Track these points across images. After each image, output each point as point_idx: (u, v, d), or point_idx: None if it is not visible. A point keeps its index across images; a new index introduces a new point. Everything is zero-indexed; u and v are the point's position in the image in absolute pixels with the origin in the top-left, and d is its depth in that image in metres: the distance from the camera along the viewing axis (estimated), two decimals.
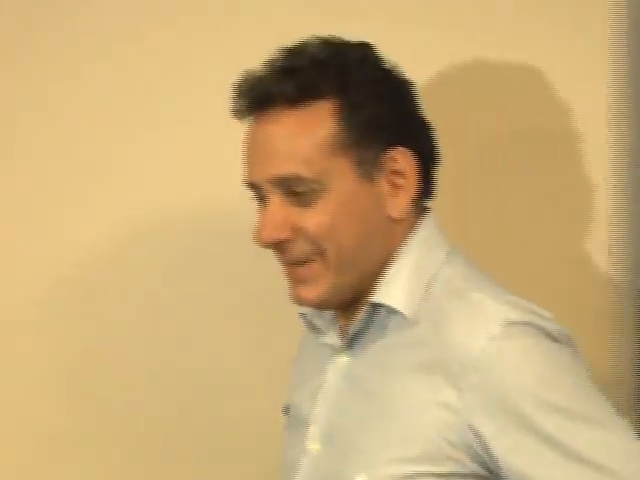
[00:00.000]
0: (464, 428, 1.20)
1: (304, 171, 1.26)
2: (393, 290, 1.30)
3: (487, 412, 1.19)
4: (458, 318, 1.24)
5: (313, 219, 1.27)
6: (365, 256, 1.30)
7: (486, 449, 1.20)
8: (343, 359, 1.36)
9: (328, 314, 1.42)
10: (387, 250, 1.32)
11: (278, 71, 1.28)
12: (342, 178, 1.27)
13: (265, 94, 1.27)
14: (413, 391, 1.25)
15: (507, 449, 1.18)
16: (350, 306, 1.34)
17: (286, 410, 1.49)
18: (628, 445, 1.18)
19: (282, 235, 1.28)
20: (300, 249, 1.29)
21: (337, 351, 1.37)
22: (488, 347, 1.19)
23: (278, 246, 1.30)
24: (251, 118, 1.30)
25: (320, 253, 1.28)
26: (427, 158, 1.34)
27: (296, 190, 1.27)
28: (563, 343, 1.24)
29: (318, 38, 1.31)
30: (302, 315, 1.44)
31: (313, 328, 1.44)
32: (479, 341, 1.20)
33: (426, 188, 1.35)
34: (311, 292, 1.31)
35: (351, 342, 1.34)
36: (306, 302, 1.33)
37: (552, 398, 1.18)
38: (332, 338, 1.39)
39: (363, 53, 1.31)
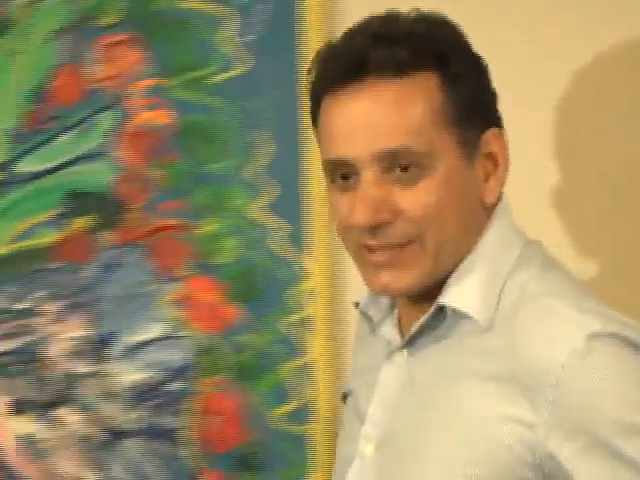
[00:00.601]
0: (538, 447, 1.10)
1: (416, 143, 1.15)
2: (466, 292, 1.19)
3: (565, 433, 1.09)
4: (535, 328, 1.13)
5: (417, 198, 1.16)
6: (461, 243, 1.19)
7: (560, 471, 1.09)
8: (402, 357, 1.24)
9: (385, 303, 1.31)
10: (473, 241, 1.21)
11: (376, 39, 1.16)
12: (447, 156, 1.17)
13: (365, 61, 1.15)
14: (482, 402, 1.14)
15: (584, 473, 1.08)
16: (420, 297, 1.22)
17: (345, 396, 1.39)
18: None
19: (383, 217, 1.16)
20: (399, 232, 1.16)
21: (395, 347, 1.26)
22: (569, 362, 1.08)
23: (374, 229, 1.17)
24: (335, 90, 1.18)
25: (420, 236, 1.17)
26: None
27: (403, 165, 1.16)
28: None
29: (400, 12, 1.21)
30: (356, 304, 1.34)
31: (367, 318, 1.33)
32: (559, 356, 1.09)
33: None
34: (403, 280, 1.18)
35: (412, 340, 1.23)
36: (394, 291, 1.21)
37: (637, 419, 1.07)
38: (390, 332, 1.28)
39: (456, 29, 1.22)
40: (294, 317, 1.73)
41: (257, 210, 1.73)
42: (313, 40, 1.69)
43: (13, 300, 1.82)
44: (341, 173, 1.19)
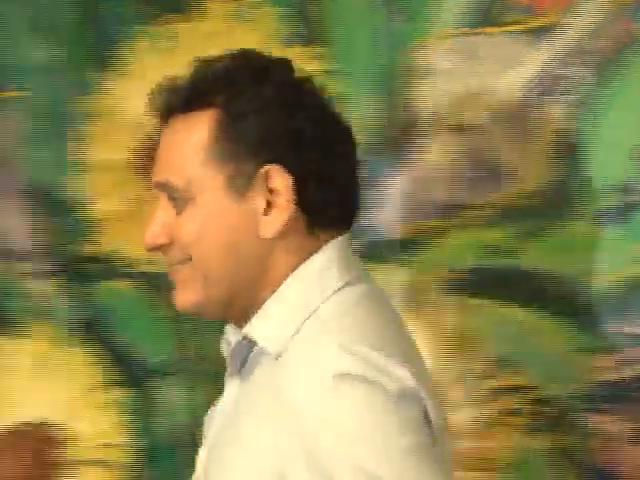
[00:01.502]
0: (280, 474, 1.17)
1: (174, 179, 1.29)
2: (264, 323, 1.28)
3: (298, 464, 1.16)
4: (300, 362, 1.21)
5: (181, 227, 1.29)
6: (235, 274, 1.29)
7: None
8: (235, 382, 1.33)
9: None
10: (264, 274, 1.29)
11: (181, 82, 1.31)
12: (212, 190, 1.28)
13: (165, 103, 1.32)
14: (257, 436, 1.22)
15: None
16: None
17: None
18: None
19: (160, 240, 1.31)
20: (174, 255, 1.31)
21: (231, 373, 1.34)
22: (312, 399, 1.17)
23: (161, 250, 1.32)
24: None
25: (189, 259, 1.29)
26: (316, 181, 1.28)
27: (170, 196, 1.30)
28: (405, 403, 1.16)
29: (235, 52, 1.33)
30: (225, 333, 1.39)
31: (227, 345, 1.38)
32: (307, 392, 1.17)
33: (321, 213, 1.30)
34: (183, 297, 1.31)
35: (241, 367, 1.31)
36: (181, 307, 1.33)
37: (359, 459, 1.13)
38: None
39: (264, 69, 1.30)
40: None
41: None
42: None
43: None
44: None
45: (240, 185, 1.28)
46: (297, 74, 1.34)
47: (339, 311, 1.27)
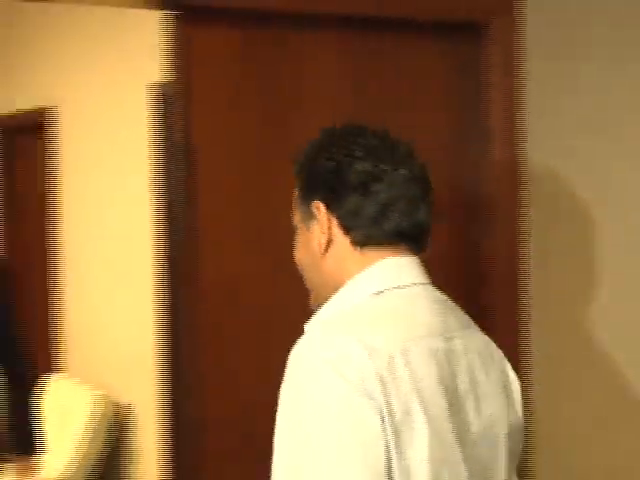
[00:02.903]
0: None
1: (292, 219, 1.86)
2: (314, 316, 1.76)
3: None
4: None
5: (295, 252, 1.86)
6: (321, 282, 1.79)
7: None
8: None
9: None
10: (336, 280, 1.75)
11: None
12: (299, 226, 1.82)
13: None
14: None
15: None
16: None
17: None
18: None
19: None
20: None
21: None
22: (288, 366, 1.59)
23: None
24: None
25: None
26: (346, 211, 1.74)
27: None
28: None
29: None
30: None
31: None
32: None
33: (355, 234, 1.74)
34: (310, 301, 1.83)
35: None
36: (311, 306, 1.81)
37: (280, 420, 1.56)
38: None
39: (321, 141, 1.81)
40: None
41: None
42: None
43: None
44: None
45: (306, 220, 1.80)
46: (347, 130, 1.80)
47: (354, 312, 1.67)
